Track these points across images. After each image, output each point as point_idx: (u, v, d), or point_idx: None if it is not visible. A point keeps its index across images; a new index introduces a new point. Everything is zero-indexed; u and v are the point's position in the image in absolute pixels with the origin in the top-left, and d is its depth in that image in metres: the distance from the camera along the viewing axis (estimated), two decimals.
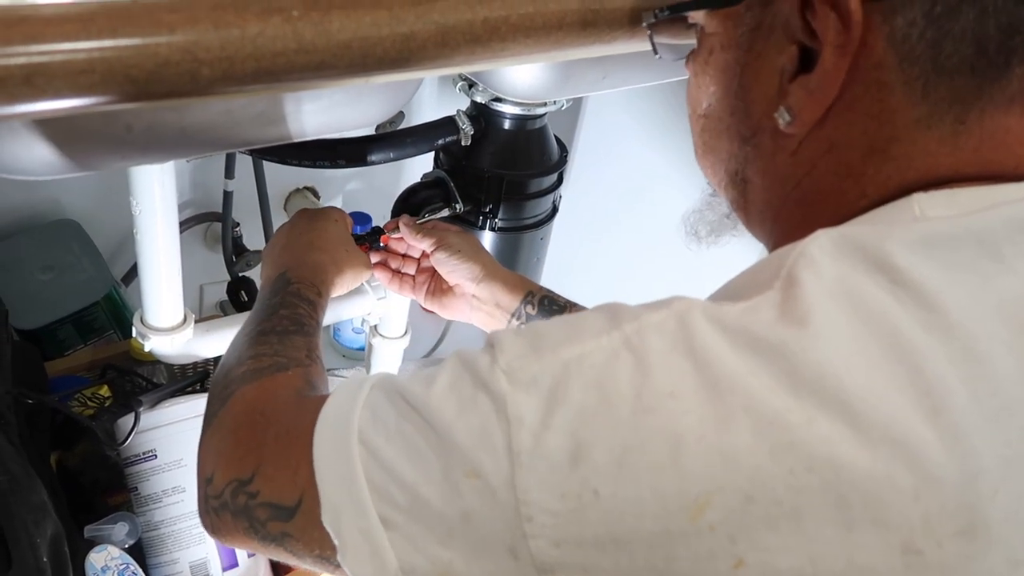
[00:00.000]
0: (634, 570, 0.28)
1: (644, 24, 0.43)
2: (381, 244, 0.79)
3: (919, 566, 0.27)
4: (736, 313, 0.30)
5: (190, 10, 0.37)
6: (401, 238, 0.78)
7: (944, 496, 0.27)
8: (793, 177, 0.37)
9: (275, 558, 0.42)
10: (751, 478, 0.27)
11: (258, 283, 1.12)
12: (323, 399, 0.38)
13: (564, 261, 1.14)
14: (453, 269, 0.74)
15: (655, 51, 0.44)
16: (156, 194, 0.64)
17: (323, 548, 0.36)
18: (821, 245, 0.31)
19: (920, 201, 0.33)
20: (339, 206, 1.29)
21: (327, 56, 0.41)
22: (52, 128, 0.45)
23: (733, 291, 0.32)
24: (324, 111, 0.55)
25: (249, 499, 0.41)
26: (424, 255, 0.78)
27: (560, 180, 0.91)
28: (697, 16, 0.41)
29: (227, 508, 0.42)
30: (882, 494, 0.27)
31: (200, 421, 0.78)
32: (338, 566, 0.36)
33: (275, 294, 0.61)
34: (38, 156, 0.46)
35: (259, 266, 1.12)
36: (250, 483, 0.41)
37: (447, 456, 0.31)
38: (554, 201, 0.93)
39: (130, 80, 0.36)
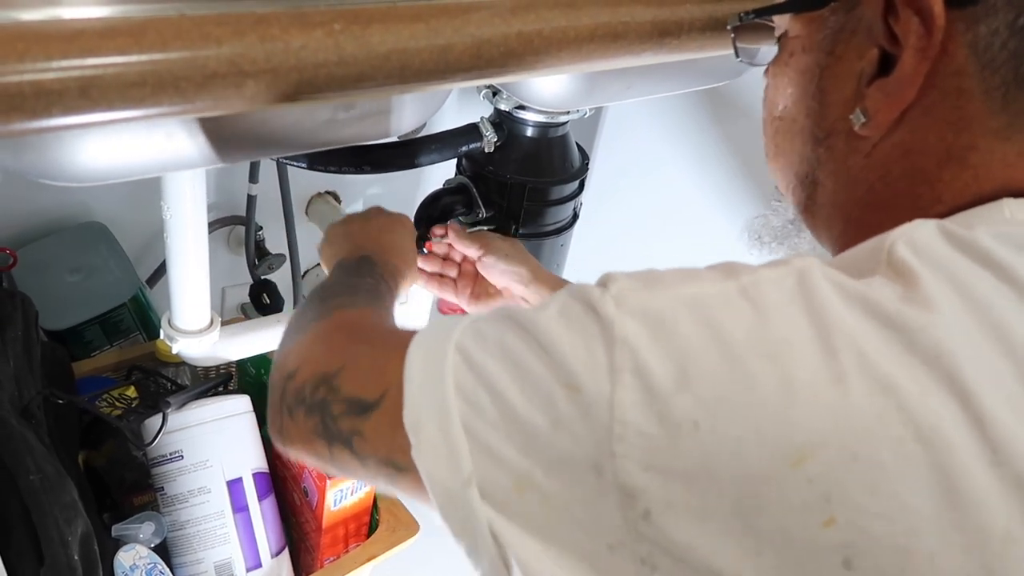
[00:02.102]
0: (719, 509, 0.28)
1: (728, 27, 0.44)
2: (425, 250, 0.81)
3: (1018, 553, 0.26)
4: (855, 283, 0.30)
5: (236, 24, 0.38)
6: (442, 243, 0.81)
7: None
8: (865, 181, 0.38)
9: (333, 467, 0.42)
10: (859, 437, 0.27)
11: (280, 287, 1.15)
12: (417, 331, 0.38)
13: (584, 268, 1.15)
14: (503, 273, 0.77)
15: (736, 54, 0.45)
16: (187, 199, 0.65)
17: (391, 450, 0.36)
18: (928, 232, 0.31)
19: (1010, 205, 0.33)
20: (360, 210, 1.31)
21: (366, 68, 0.42)
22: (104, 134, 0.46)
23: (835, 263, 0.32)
24: (357, 121, 0.56)
25: (329, 393, 0.41)
26: (465, 260, 0.82)
27: (581, 187, 0.92)
28: (781, 20, 0.41)
29: (303, 404, 0.42)
30: (981, 489, 0.26)
31: (225, 422, 0.80)
32: (400, 471, 0.35)
33: (362, 267, 0.62)
34: (81, 163, 0.47)
35: (280, 269, 1.14)
36: (334, 377, 0.41)
37: (546, 367, 0.31)
38: (575, 208, 0.93)
39: (179, 92, 0.37)
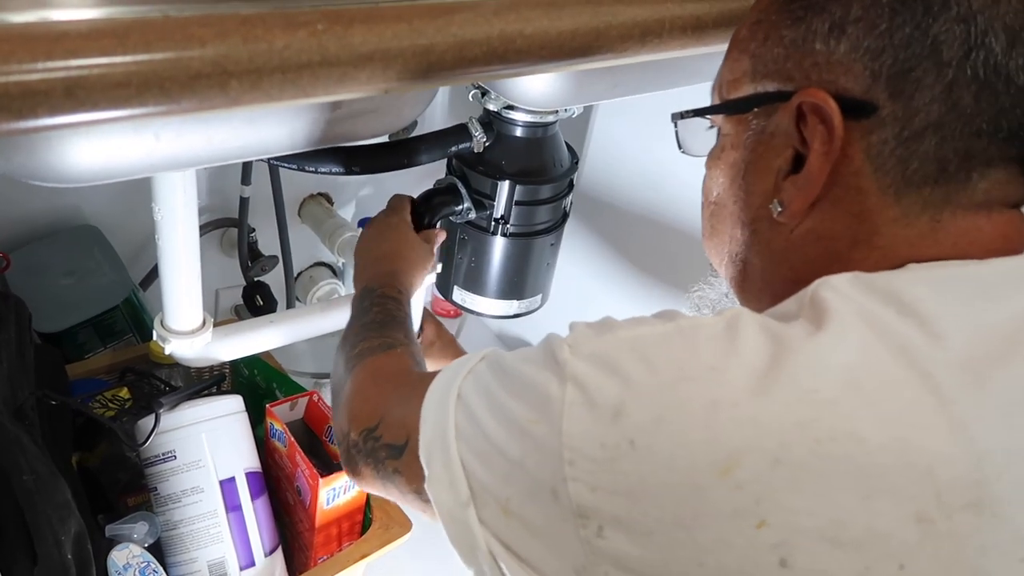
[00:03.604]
0: (662, 522, 0.31)
1: (672, 121, 0.49)
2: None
3: (932, 534, 0.30)
4: (776, 323, 0.35)
5: (220, 24, 0.39)
6: None
7: (954, 473, 0.30)
8: (787, 261, 0.43)
9: (399, 502, 0.50)
10: (780, 443, 0.30)
11: (273, 289, 1.15)
12: (435, 374, 0.44)
13: (575, 266, 1.15)
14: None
15: (679, 145, 0.50)
16: (178, 201, 0.66)
17: (419, 481, 0.41)
18: (840, 278, 0.36)
19: (914, 269, 0.37)
20: (353, 211, 1.31)
21: (350, 68, 0.43)
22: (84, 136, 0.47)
23: (771, 313, 0.37)
24: (344, 120, 0.57)
25: (374, 443, 0.49)
26: None
27: (571, 186, 0.92)
28: (716, 119, 0.47)
29: (361, 453, 0.50)
30: (898, 468, 0.30)
31: (217, 422, 0.81)
32: (427, 501, 0.41)
33: (364, 299, 0.69)
34: (70, 164, 0.48)
35: (273, 271, 1.15)
36: (375, 429, 0.49)
37: (516, 405, 0.36)
38: (565, 207, 0.94)
39: (164, 92, 0.38)
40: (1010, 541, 0.31)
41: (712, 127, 0.47)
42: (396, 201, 0.84)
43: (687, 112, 0.48)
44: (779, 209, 0.42)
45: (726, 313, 0.36)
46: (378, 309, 0.66)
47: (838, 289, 0.35)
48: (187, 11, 0.38)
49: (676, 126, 0.49)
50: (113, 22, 0.37)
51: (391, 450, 0.47)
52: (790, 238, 0.42)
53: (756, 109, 0.43)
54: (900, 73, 0.37)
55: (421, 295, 0.89)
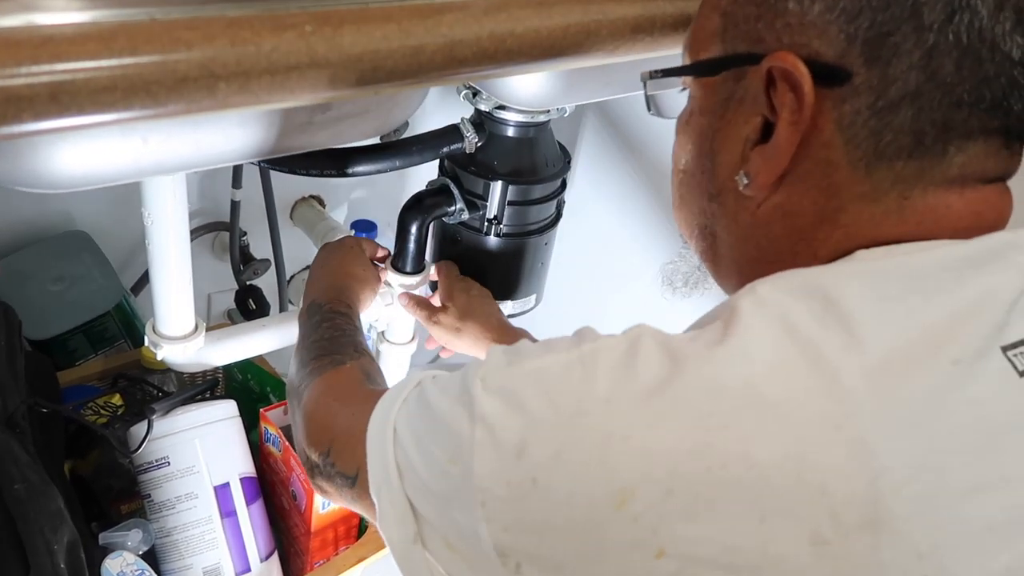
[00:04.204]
0: (568, 558, 0.31)
1: (641, 81, 0.47)
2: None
3: (828, 555, 0.29)
4: (681, 338, 0.34)
5: (207, 27, 0.38)
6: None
7: (848, 491, 0.29)
8: (753, 237, 0.41)
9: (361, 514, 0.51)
10: (671, 473, 0.30)
11: (266, 292, 1.15)
12: (381, 393, 0.44)
13: (568, 266, 1.15)
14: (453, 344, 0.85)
15: (648, 107, 0.48)
16: (168, 205, 0.65)
17: (374, 511, 0.42)
18: (765, 281, 0.35)
19: (862, 255, 0.36)
20: (345, 213, 1.31)
21: (339, 69, 0.43)
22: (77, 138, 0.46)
23: (695, 324, 0.37)
24: (334, 123, 0.57)
25: (331, 468, 0.50)
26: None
27: (564, 185, 0.92)
28: (686, 80, 0.45)
29: (321, 474, 0.51)
30: (791, 489, 0.29)
31: (211, 427, 0.80)
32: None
33: (312, 317, 0.69)
34: (56, 169, 0.47)
35: (266, 274, 1.14)
36: (328, 455, 0.50)
37: (437, 444, 0.37)
38: (558, 206, 0.94)
39: (150, 96, 0.37)
40: (910, 559, 0.29)
41: (684, 89, 0.45)
42: (351, 239, 0.86)
43: (655, 72, 0.45)
44: (745, 181, 0.39)
45: (630, 333, 0.35)
46: (327, 325, 0.66)
47: (760, 296, 0.34)
48: (174, 14, 0.38)
49: (645, 87, 0.47)
50: (99, 26, 0.36)
51: (345, 479, 0.48)
52: (756, 213, 0.40)
53: (725, 72, 0.40)
54: (877, 37, 0.34)
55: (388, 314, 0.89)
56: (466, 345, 0.84)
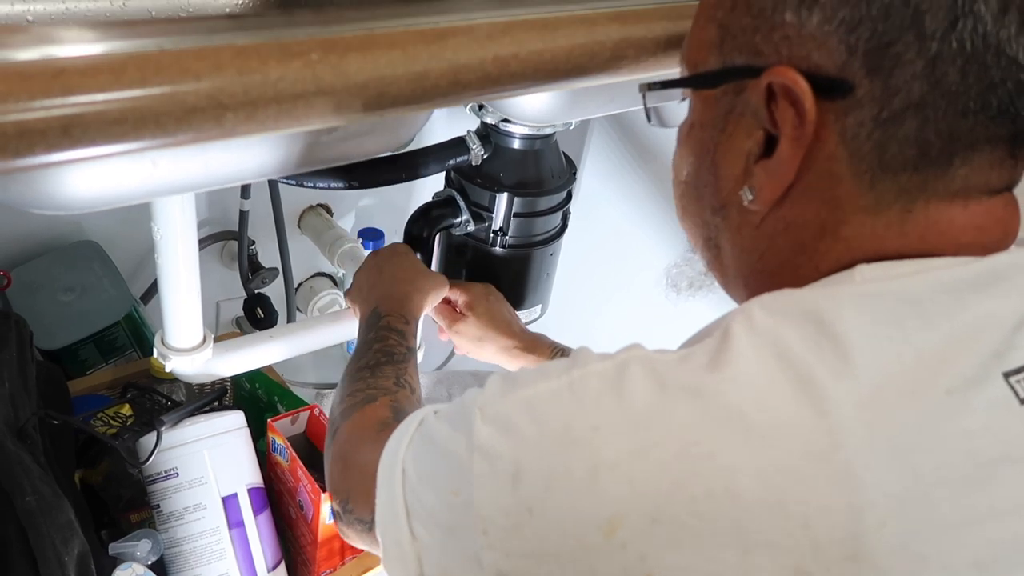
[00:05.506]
0: None
1: (640, 92, 0.47)
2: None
3: None
4: (670, 360, 0.34)
5: (215, 57, 0.39)
6: None
7: (832, 524, 0.29)
8: (757, 250, 0.41)
9: None
10: (656, 503, 0.30)
11: (274, 300, 1.15)
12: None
13: (574, 276, 1.16)
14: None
15: (648, 118, 0.48)
16: (177, 220, 0.66)
17: None
18: (760, 302, 0.35)
19: (862, 270, 0.36)
20: (352, 222, 1.31)
21: (345, 96, 0.43)
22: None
23: (689, 340, 0.37)
24: (340, 143, 0.57)
25: (350, 515, 0.52)
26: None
27: (569, 196, 0.92)
28: (685, 92, 0.44)
29: (342, 520, 0.54)
30: (775, 520, 0.30)
31: (219, 439, 0.81)
32: None
33: (369, 329, 0.69)
34: (67, 193, 0.48)
35: (273, 283, 1.15)
36: (347, 503, 0.53)
37: (441, 477, 0.38)
38: (563, 217, 0.94)
39: (160, 127, 0.38)
40: None
41: (685, 99, 0.45)
42: (401, 245, 0.86)
43: (654, 84, 0.45)
44: (750, 197, 0.39)
45: (619, 356, 0.35)
46: (379, 346, 0.67)
47: (754, 320, 0.34)
48: (182, 44, 0.39)
49: (644, 98, 0.46)
50: (110, 57, 0.37)
51: (363, 524, 0.49)
52: (759, 226, 0.40)
53: (724, 85, 0.39)
54: (878, 48, 0.34)
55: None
56: (489, 354, 0.85)
